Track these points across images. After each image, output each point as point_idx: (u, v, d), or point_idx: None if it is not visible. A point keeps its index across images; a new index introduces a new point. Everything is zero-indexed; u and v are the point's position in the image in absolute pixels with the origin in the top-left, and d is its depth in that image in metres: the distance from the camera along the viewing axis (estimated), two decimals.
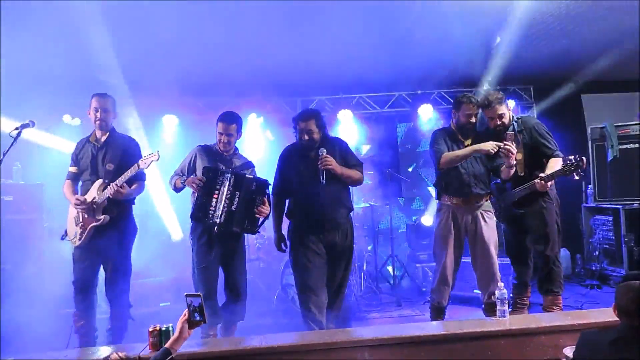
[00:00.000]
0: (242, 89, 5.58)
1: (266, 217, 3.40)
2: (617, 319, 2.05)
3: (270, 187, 3.42)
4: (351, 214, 3.60)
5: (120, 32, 3.99)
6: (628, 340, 1.89)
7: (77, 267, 3.39)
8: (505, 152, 3.35)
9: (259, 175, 3.50)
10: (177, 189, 3.46)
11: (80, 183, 3.50)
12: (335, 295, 3.50)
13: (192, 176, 3.39)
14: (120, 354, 1.60)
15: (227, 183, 3.23)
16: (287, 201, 3.53)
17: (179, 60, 4.66)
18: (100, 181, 3.36)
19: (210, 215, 3.23)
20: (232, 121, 3.43)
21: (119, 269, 3.41)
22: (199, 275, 3.32)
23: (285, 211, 3.53)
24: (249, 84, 5.42)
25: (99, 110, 3.39)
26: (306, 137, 3.36)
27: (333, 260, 3.45)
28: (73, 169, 3.50)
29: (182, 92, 5.44)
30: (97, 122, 3.41)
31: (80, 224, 3.38)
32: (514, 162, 3.41)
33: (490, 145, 3.40)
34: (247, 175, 3.34)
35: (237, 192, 3.25)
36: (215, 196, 3.24)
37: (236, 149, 3.58)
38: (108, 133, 3.46)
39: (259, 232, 3.56)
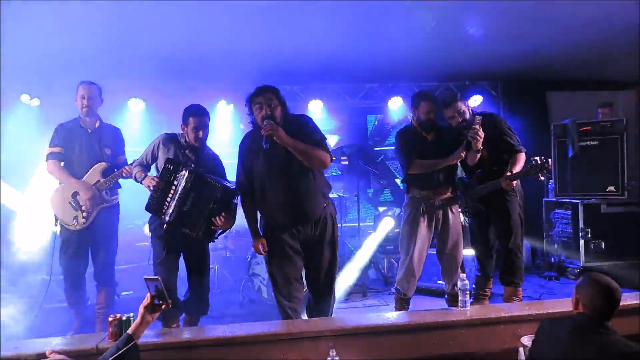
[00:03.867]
0: (211, 75, 5.47)
1: (225, 230, 3.15)
2: (572, 309, 2.12)
3: (237, 204, 3.15)
4: (330, 198, 3.18)
5: (84, 12, 3.84)
6: (586, 330, 1.97)
7: (69, 252, 3.51)
8: (473, 136, 3.41)
9: (227, 168, 3.35)
10: (137, 181, 3.32)
11: (62, 164, 3.59)
12: (321, 297, 3.14)
13: (150, 176, 3.22)
14: (57, 357, 1.53)
15: (184, 181, 3.03)
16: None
17: (146, 41, 4.51)
18: (103, 164, 3.58)
19: (164, 211, 3.07)
20: (205, 114, 3.27)
21: (110, 249, 3.65)
22: (155, 269, 3.22)
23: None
24: (218, 70, 5.31)
25: (86, 97, 3.55)
26: (267, 112, 2.90)
27: (312, 258, 3.10)
28: (58, 149, 3.57)
29: (148, 76, 5.29)
30: (84, 110, 3.56)
31: (81, 207, 3.48)
32: (481, 146, 3.47)
33: (457, 156, 3.53)
34: (209, 179, 3.06)
35: (191, 193, 3.02)
36: (172, 192, 3.06)
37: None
38: (99, 120, 3.66)
39: (214, 241, 3.26)
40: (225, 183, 3.13)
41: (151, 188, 3.11)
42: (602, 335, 1.94)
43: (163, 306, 2.10)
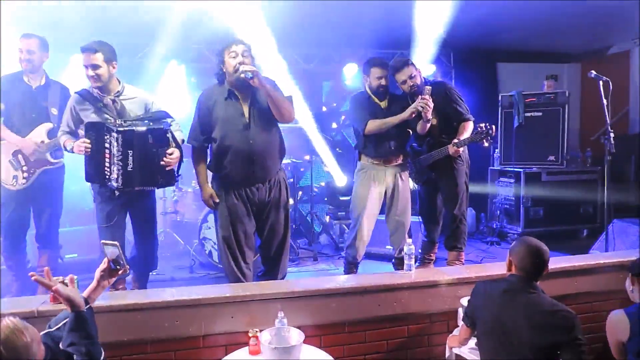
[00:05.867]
0: (161, 34, 5.23)
1: (180, 162, 3.07)
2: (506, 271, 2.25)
3: (171, 133, 3.02)
4: (283, 165, 3.23)
5: None
6: (517, 290, 2.09)
7: (8, 213, 3.36)
8: (422, 105, 3.45)
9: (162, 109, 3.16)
10: (69, 151, 3.11)
11: (2, 119, 3.38)
12: (274, 262, 3.19)
13: (79, 140, 2.99)
14: (10, 319, 1.50)
15: (116, 143, 2.88)
16: (208, 151, 3.15)
17: None
18: (49, 124, 3.40)
19: (107, 177, 2.94)
20: (90, 50, 2.92)
21: (54, 211, 3.54)
22: (100, 233, 3.11)
23: (208, 163, 3.16)
24: (168, 29, 5.08)
25: (24, 51, 3.32)
26: (243, 59, 2.89)
27: (265, 223, 3.11)
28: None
29: (93, 32, 4.99)
30: (23, 64, 3.34)
31: (22, 167, 3.33)
32: (430, 116, 3.53)
33: (410, 110, 3.50)
34: (137, 130, 2.90)
35: (129, 151, 2.89)
36: (107, 157, 2.91)
37: (120, 83, 3.11)
38: (45, 76, 3.43)
39: (177, 181, 3.23)
40: (150, 124, 2.98)
41: (84, 152, 2.93)
42: (531, 294, 2.06)
43: (120, 271, 2.07)
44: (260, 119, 2.99)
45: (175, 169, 3.08)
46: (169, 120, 3.11)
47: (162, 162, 2.96)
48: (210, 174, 3.19)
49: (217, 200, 3.09)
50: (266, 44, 5.10)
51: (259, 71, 2.85)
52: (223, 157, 3.01)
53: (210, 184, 3.15)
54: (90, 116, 3.04)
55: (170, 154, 2.98)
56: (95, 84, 2.99)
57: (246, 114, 2.98)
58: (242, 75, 2.83)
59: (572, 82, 6.88)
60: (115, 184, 2.94)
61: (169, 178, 3.08)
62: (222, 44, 2.98)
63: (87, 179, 3.03)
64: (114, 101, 3.05)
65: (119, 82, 3.10)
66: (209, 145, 3.13)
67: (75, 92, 3.11)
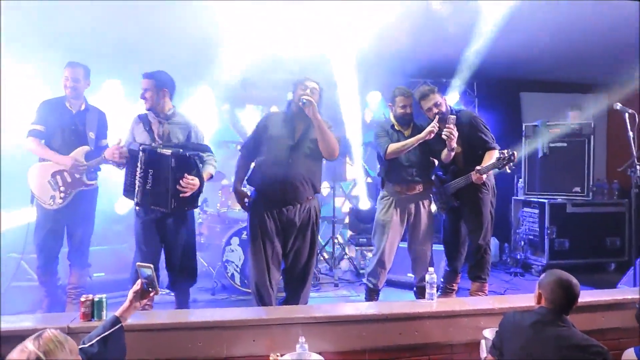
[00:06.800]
0: (192, 58, 5.40)
1: (199, 191, 3.14)
2: (532, 304, 2.23)
3: (197, 166, 3.15)
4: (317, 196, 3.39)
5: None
6: (547, 323, 2.07)
7: (44, 231, 3.50)
8: (447, 134, 3.50)
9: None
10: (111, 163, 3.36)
11: (42, 142, 3.56)
12: (297, 284, 3.32)
13: (112, 147, 3.24)
14: (52, 332, 1.58)
15: (140, 161, 3.07)
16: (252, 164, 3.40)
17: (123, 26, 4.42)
18: (86, 147, 3.58)
19: (135, 193, 3.13)
20: (148, 76, 3.21)
21: (87, 231, 3.66)
22: (137, 251, 3.25)
23: (248, 175, 3.40)
24: (200, 55, 5.24)
25: (70, 79, 3.54)
26: (309, 92, 3.18)
27: (293, 244, 3.27)
28: (40, 127, 3.55)
29: (125, 58, 5.20)
30: (67, 91, 3.56)
31: (60, 188, 3.50)
32: (455, 145, 3.56)
33: (429, 129, 3.53)
34: (161, 151, 3.04)
35: (150, 170, 3.06)
36: (137, 173, 3.11)
37: (173, 107, 3.35)
38: (84, 102, 3.65)
39: (198, 207, 3.38)
40: (179, 150, 3.07)
41: (113, 159, 3.19)
42: (561, 328, 2.04)
43: (152, 293, 2.13)
44: (306, 148, 3.24)
45: (191, 198, 3.12)
46: (206, 154, 3.30)
47: (178, 187, 3.03)
48: (251, 189, 3.47)
49: (247, 200, 3.38)
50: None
51: (314, 104, 3.08)
52: (262, 169, 3.27)
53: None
54: (139, 135, 3.27)
55: (191, 180, 3.04)
56: (145, 105, 3.26)
57: (295, 139, 3.23)
58: (300, 103, 3.09)
59: (598, 113, 6.80)
60: (135, 199, 3.13)
61: (184, 204, 3.13)
62: (301, 78, 3.31)
63: (123, 193, 3.23)
64: (160, 123, 3.28)
65: (172, 108, 3.33)
66: (254, 159, 3.37)
67: (138, 115, 3.36)
